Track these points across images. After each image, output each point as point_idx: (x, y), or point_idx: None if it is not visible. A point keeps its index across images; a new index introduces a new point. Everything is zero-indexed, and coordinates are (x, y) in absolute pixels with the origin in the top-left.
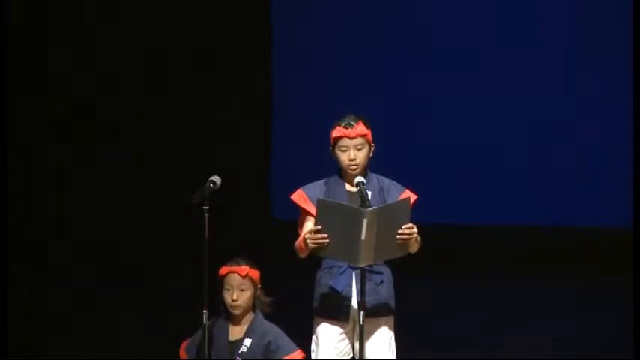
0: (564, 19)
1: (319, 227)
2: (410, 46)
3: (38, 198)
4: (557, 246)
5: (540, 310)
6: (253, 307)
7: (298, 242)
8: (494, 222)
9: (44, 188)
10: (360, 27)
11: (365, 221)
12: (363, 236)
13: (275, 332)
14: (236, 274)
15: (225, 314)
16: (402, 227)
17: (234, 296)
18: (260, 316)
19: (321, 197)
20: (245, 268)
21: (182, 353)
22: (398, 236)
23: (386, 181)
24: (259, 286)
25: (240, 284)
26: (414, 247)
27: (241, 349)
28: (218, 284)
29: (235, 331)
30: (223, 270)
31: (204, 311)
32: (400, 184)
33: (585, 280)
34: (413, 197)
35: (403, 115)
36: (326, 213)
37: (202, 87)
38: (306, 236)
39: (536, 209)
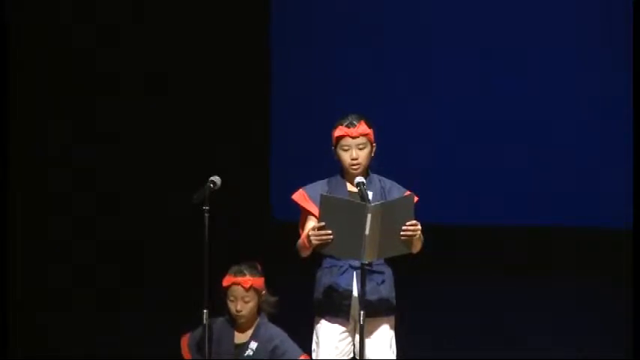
0: (564, 19)
1: (323, 224)
2: (410, 46)
3: (38, 197)
4: (557, 246)
5: (540, 310)
6: (258, 310)
7: (302, 240)
8: (494, 222)
9: (43, 188)
10: (359, 27)
11: (369, 216)
12: (367, 231)
13: (281, 337)
14: (239, 286)
15: (230, 318)
16: (406, 223)
17: (239, 307)
18: (265, 319)
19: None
20: (249, 280)
21: (184, 349)
22: (402, 232)
23: (387, 182)
24: (264, 292)
25: (244, 296)
26: (417, 246)
27: (247, 353)
28: (222, 291)
29: (240, 335)
30: (227, 280)
31: (205, 311)
32: (400, 184)
33: (585, 280)
34: (414, 199)
35: (403, 115)
36: (329, 209)
37: (202, 87)
38: (310, 233)
39: (536, 209)
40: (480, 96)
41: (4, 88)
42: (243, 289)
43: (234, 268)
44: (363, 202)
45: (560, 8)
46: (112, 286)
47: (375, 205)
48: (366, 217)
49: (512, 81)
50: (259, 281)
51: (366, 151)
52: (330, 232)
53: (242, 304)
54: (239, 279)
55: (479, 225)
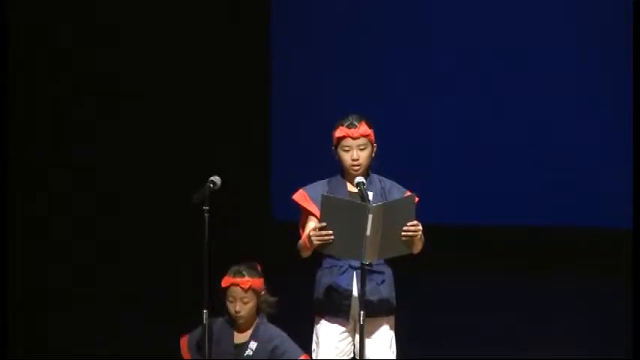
0: (564, 19)
1: (324, 224)
2: (410, 46)
3: (38, 197)
4: (557, 246)
5: (540, 310)
6: (257, 310)
7: (302, 240)
8: (494, 222)
9: (43, 188)
10: (359, 27)
11: (370, 217)
12: (368, 232)
13: (281, 337)
14: (238, 287)
15: (229, 318)
16: (408, 224)
17: (237, 308)
18: (265, 320)
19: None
20: (247, 281)
21: (184, 350)
22: (403, 233)
23: (387, 182)
24: (263, 292)
25: (242, 297)
26: (418, 246)
27: (247, 353)
28: (221, 292)
29: (240, 335)
30: (226, 281)
31: (204, 311)
32: (400, 184)
33: (585, 280)
34: (415, 199)
35: (403, 115)
36: (331, 209)
37: (203, 87)
38: (311, 233)
39: (536, 209)
40: (480, 96)
41: (4, 88)
42: (242, 290)
43: (233, 268)
44: (365, 203)
45: (560, 8)
46: (112, 286)
47: (377, 205)
48: (367, 217)
49: (512, 81)
50: (258, 282)
51: (367, 151)
52: (331, 232)
53: (241, 305)
54: (238, 280)
55: (479, 225)
